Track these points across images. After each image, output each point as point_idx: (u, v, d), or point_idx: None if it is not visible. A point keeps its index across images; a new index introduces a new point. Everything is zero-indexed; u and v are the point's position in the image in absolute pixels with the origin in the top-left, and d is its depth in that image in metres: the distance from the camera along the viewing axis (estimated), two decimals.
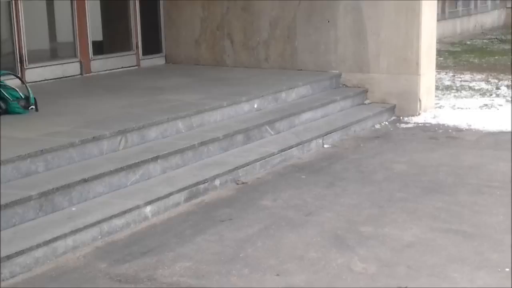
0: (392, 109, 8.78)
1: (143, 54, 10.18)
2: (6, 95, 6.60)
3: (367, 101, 8.93)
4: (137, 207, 5.08)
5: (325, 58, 9.24)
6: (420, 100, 8.73)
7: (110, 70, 9.56)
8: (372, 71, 8.93)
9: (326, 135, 7.44)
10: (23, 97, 6.70)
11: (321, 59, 9.27)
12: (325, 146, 7.34)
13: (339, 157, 6.95)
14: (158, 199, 5.28)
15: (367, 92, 8.98)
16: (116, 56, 9.79)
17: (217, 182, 5.89)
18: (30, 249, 4.27)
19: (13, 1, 8.31)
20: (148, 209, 5.16)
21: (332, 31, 9.12)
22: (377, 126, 8.33)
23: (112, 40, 10.12)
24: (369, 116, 8.35)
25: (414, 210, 5.31)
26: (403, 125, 8.36)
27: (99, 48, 9.59)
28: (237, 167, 6.15)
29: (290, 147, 6.87)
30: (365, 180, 6.15)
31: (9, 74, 7.23)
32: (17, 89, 6.74)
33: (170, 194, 5.39)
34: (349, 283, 4.06)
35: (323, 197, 5.67)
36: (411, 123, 8.46)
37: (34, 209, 4.71)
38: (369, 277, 4.14)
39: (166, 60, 10.56)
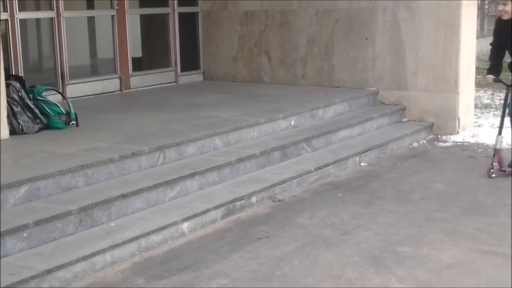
0: (430, 127, 8.71)
1: (182, 70, 10.29)
2: (48, 110, 6.73)
3: (404, 119, 8.87)
4: (175, 223, 5.11)
5: (362, 75, 9.22)
6: (458, 119, 8.64)
7: (149, 86, 9.68)
8: (410, 88, 8.87)
9: (363, 153, 7.41)
10: (64, 112, 6.82)
11: (359, 76, 9.25)
12: (362, 164, 7.31)
13: (376, 175, 6.91)
14: (195, 215, 5.31)
15: (404, 110, 8.92)
16: (155, 73, 9.91)
17: (253, 199, 5.90)
18: (70, 263, 4.32)
19: (55, 18, 8.49)
20: (185, 225, 5.20)
21: (370, 48, 9.10)
22: (415, 145, 8.26)
23: (151, 57, 10.26)
24: (407, 134, 8.29)
25: (453, 230, 5.24)
26: (441, 144, 8.28)
27: (139, 65, 9.73)
28: (273, 184, 6.15)
29: (327, 165, 6.86)
30: (402, 199, 6.10)
31: (51, 89, 7.37)
32: (59, 105, 6.86)
33: (207, 210, 5.42)
34: None
35: (360, 216, 5.63)
36: (450, 141, 8.37)
37: (74, 223, 4.78)
38: None
39: (204, 77, 10.65)
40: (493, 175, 6.59)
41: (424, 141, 8.42)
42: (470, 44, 8.76)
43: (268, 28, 9.93)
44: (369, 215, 5.65)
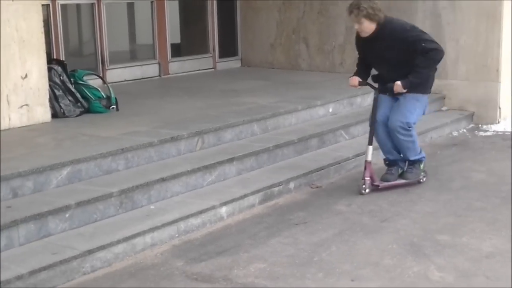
0: (470, 116, 8.60)
1: (220, 57, 10.31)
2: (89, 94, 6.82)
3: (444, 108, 8.77)
4: (213, 207, 5.15)
5: None
6: (500, 108, 8.51)
7: (187, 72, 9.72)
8: (450, 77, 8.76)
9: None
10: (104, 96, 6.90)
11: None
12: None
13: None
14: (233, 200, 5.34)
15: (444, 98, 8.82)
16: (194, 59, 9.96)
17: (291, 185, 5.91)
18: (111, 244, 4.39)
19: (96, 4, 8.57)
20: (223, 209, 5.23)
21: None
22: (455, 134, 8.17)
23: (190, 43, 10.30)
24: (447, 123, 8.20)
25: (493, 220, 5.18)
26: (481, 133, 8.17)
27: (177, 50, 9.78)
28: (311, 170, 6.15)
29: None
30: (442, 188, 6.04)
31: (92, 74, 7.46)
32: (99, 89, 6.94)
33: (245, 195, 5.45)
34: None
35: (398, 204, 5.60)
36: (490, 131, 8.25)
37: (115, 206, 4.85)
38: (446, 287, 4.07)
39: (241, 63, 10.66)
40: (366, 191, 5.77)
41: (464, 130, 8.32)
42: None
43: (307, 15, 9.88)
44: (408, 203, 5.61)
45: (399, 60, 5.66)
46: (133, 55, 9.71)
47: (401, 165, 6.08)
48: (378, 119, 5.88)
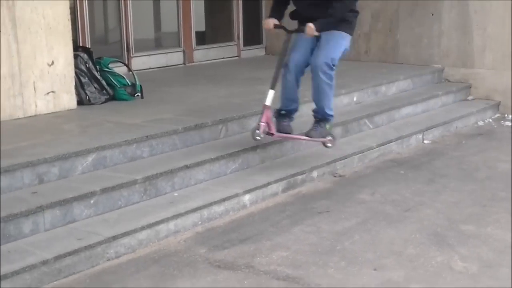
0: (496, 106, 8.50)
1: (244, 45, 10.30)
2: (114, 81, 6.86)
3: (470, 97, 8.69)
4: (236, 195, 5.17)
5: (427, 52, 9.05)
6: None
7: (211, 60, 9.73)
8: (476, 66, 8.67)
9: (426, 130, 7.30)
10: (129, 84, 6.93)
11: (423, 53, 9.08)
12: (425, 141, 7.20)
13: (439, 153, 6.81)
14: (256, 188, 5.35)
15: (470, 87, 8.73)
16: (218, 47, 9.95)
17: (314, 174, 5.90)
18: (135, 231, 4.43)
19: None
20: (246, 197, 5.25)
21: (436, 24, 8.92)
22: (480, 123, 8.09)
23: (215, 31, 10.30)
24: (472, 112, 8.12)
25: None
26: (507, 123, 8.08)
27: (202, 38, 9.79)
28: (335, 159, 6.14)
29: (389, 142, 6.79)
30: (466, 177, 6.00)
31: (117, 61, 7.49)
32: (125, 76, 6.98)
33: (268, 183, 5.45)
34: (449, 282, 3.98)
35: (422, 193, 5.57)
36: None
37: (139, 192, 4.89)
38: (470, 277, 4.04)
39: (266, 51, 10.64)
40: (259, 137, 5.32)
41: (490, 120, 8.24)
42: None
43: None
44: (432, 193, 5.58)
45: None
46: (158, 43, 9.73)
47: (293, 116, 5.74)
48: (290, 64, 5.53)
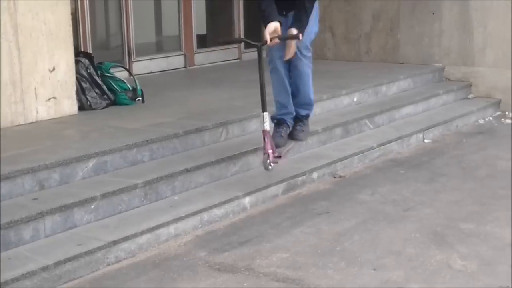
0: (497, 104, 8.50)
1: (245, 47, 10.30)
2: (115, 86, 6.88)
3: (470, 96, 8.70)
4: (236, 197, 5.19)
5: (428, 51, 9.06)
6: None
7: (213, 63, 9.75)
8: (477, 64, 8.68)
9: (427, 129, 7.31)
10: (130, 88, 6.96)
11: (424, 52, 9.09)
12: (425, 141, 7.22)
13: (440, 152, 6.82)
14: (257, 190, 5.37)
15: (471, 86, 8.74)
16: (219, 50, 9.97)
17: (314, 175, 5.92)
18: (135, 235, 4.45)
19: None
20: (246, 200, 5.27)
21: (436, 23, 8.93)
22: (481, 122, 8.10)
23: (216, 34, 10.32)
24: (473, 111, 8.12)
25: None
26: (508, 121, 8.08)
27: (203, 42, 9.81)
28: (335, 160, 6.15)
29: (390, 142, 6.81)
30: (466, 176, 6.01)
31: (118, 66, 7.53)
32: (125, 81, 7.01)
33: (268, 186, 5.47)
34: (448, 281, 4.00)
35: (422, 193, 5.59)
36: None
37: (139, 197, 4.91)
38: (469, 275, 4.06)
39: (267, 54, 10.61)
40: (271, 166, 5.17)
41: (491, 118, 8.24)
42: None
43: (333, 3, 9.84)
44: (432, 192, 5.60)
45: None
46: (159, 47, 9.76)
47: (288, 122, 5.54)
48: (274, 60, 5.47)
